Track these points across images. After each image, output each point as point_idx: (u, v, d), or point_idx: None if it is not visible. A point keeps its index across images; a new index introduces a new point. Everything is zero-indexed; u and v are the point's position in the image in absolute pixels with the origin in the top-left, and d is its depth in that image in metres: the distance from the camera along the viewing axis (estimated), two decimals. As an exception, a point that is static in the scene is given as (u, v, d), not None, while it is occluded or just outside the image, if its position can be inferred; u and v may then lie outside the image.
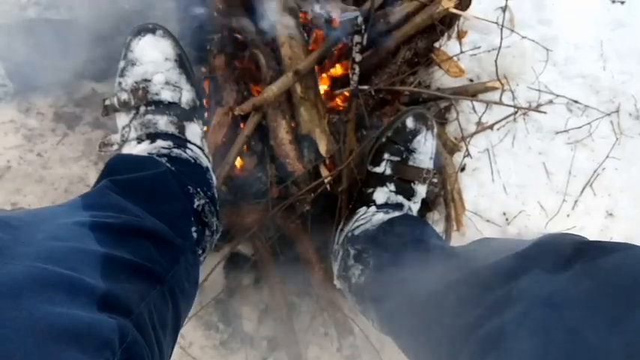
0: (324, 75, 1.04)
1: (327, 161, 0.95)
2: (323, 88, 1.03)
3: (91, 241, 0.45)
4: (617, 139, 1.06)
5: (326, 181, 0.92)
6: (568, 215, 1.02)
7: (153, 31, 0.76)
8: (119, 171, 0.63)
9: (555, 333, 0.36)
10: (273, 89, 0.88)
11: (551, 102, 1.07)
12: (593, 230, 1.01)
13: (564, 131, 1.05)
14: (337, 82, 1.04)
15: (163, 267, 0.53)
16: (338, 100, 1.04)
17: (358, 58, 0.91)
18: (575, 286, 0.38)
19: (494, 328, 0.42)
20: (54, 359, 0.31)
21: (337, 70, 1.05)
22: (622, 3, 1.17)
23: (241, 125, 0.95)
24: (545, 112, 1.04)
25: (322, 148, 0.93)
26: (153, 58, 0.75)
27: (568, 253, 0.41)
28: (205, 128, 0.93)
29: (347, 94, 0.99)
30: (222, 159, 0.91)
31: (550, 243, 0.45)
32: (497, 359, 0.40)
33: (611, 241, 0.42)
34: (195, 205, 0.68)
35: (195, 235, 0.66)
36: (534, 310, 0.39)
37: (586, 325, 0.35)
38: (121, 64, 0.77)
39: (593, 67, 1.11)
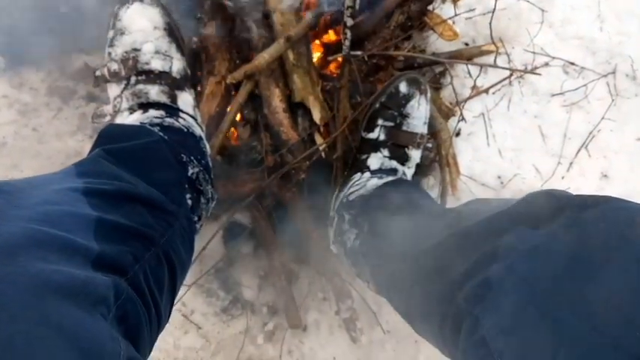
0: (317, 42, 1.03)
1: (322, 128, 0.95)
2: (316, 55, 1.02)
3: (85, 206, 0.45)
4: (612, 100, 1.05)
5: (321, 148, 0.92)
6: (563, 177, 1.02)
7: None
8: (112, 140, 0.63)
9: (537, 284, 0.37)
10: (264, 56, 0.87)
11: (547, 64, 1.06)
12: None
13: (560, 94, 1.05)
14: (330, 49, 1.03)
15: (157, 231, 0.54)
16: (331, 67, 1.03)
17: (350, 22, 0.90)
18: (557, 240, 0.39)
19: (481, 282, 0.43)
20: (51, 312, 0.32)
21: (330, 36, 1.04)
22: (620, -39, 1.15)
23: (234, 94, 0.95)
24: (540, 75, 1.03)
25: (316, 116, 0.93)
26: (141, 27, 0.75)
27: (552, 209, 0.42)
28: (198, 98, 0.93)
29: (340, 60, 0.98)
30: (216, 129, 0.91)
31: (534, 199, 0.46)
32: (483, 311, 0.41)
33: (593, 194, 0.43)
34: (189, 173, 0.69)
35: (189, 202, 0.67)
36: (518, 264, 0.40)
37: (566, 276, 0.36)
38: (110, 33, 0.77)
39: (590, 28, 1.09)
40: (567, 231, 0.39)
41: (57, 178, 0.50)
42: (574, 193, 0.45)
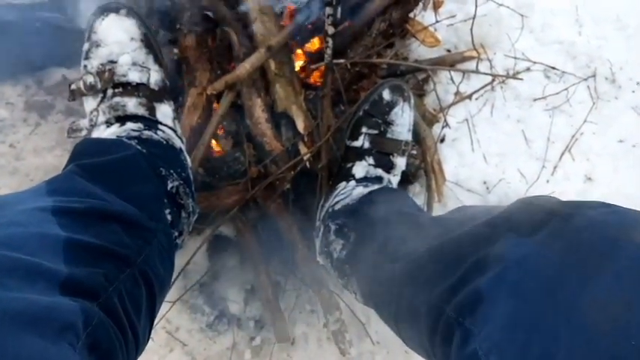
0: (299, 51, 1.02)
1: (306, 138, 0.94)
2: (298, 64, 1.02)
3: (53, 226, 0.43)
4: (594, 103, 1.06)
5: (305, 158, 0.91)
6: (548, 181, 1.02)
7: (116, 10, 0.74)
8: (86, 155, 0.61)
9: (529, 294, 0.36)
10: (245, 66, 0.86)
11: (528, 69, 1.07)
12: (572, 195, 1.02)
13: (542, 98, 1.05)
14: (313, 58, 1.03)
15: (133, 250, 0.52)
16: (314, 76, 1.02)
17: (331, 30, 0.89)
18: (548, 248, 0.38)
19: (471, 293, 0.42)
20: (8, 344, 0.30)
21: (313, 44, 1.03)
22: (596, -34, 1.16)
23: (215, 105, 0.93)
24: (522, 79, 1.04)
25: (300, 125, 0.92)
26: (118, 39, 0.73)
27: (540, 216, 0.42)
28: (179, 110, 0.91)
29: (323, 69, 0.98)
30: (197, 140, 0.89)
31: (523, 207, 0.45)
32: (474, 323, 0.40)
33: (582, 200, 0.42)
34: (168, 187, 0.67)
35: (169, 217, 0.65)
36: (509, 273, 0.39)
37: (558, 285, 0.35)
38: (85, 46, 0.75)
39: (569, 33, 1.10)
40: (557, 239, 0.38)
41: (26, 197, 0.48)
42: (561, 199, 0.44)
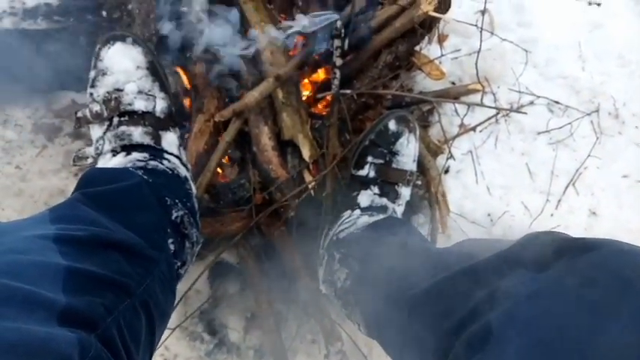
0: (306, 80, 1.04)
1: (311, 166, 0.94)
2: (305, 93, 1.03)
3: (54, 254, 0.43)
4: (597, 138, 1.07)
5: (310, 186, 0.91)
6: (552, 215, 1.02)
7: (122, 38, 0.75)
8: (93, 184, 0.61)
9: (541, 332, 0.36)
10: (254, 94, 0.87)
11: (532, 103, 1.08)
12: (577, 230, 1.02)
13: (546, 131, 1.06)
14: (320, 87, 1.04)
15: (134, 279, 0.51)
16: (320, 105, 1.04)
17: (339, 62, 0.91)
18: (560, 284, 0.38)
19: (480, 329, 0.41)
20: None
21: (319, 75, 1.05)
22: (598, 5, 1.19)
23: (222, 133, 0.94)
24: (526, 113, 1.05)
25: (305, 154, 0.93)
26: (124, 67, 0.74)
27: (551, 251, 0.41)
28: (187, 136, 0.92)
29: (329, 98, 0.99)
30: (203, 167, 0.90)
31: (532, 242, 0.45)
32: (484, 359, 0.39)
33: (594, 237, 0.42)
34: (173, 217, 0.66)
35: (172, 247, 0.64)
36: (520, 309, 0.38)
37: (571, 323, 0.34)
38: (92, 74, 0.76)
39: (573, 68, 1.12)
40: (569, 275, 0.37)
41: (29, 224, 0.47)
42: (572, 235, 0.44)
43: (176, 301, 0.71)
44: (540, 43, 1.12)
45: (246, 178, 0.94)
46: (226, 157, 0.96)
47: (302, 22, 0.93)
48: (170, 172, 0.71)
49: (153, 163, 0.70)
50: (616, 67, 1.14)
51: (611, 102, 1.10)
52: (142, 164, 0.68)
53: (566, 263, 0.39)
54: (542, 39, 1.12)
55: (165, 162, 0.72)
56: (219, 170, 0.96)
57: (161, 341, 0.89)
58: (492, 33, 1.07)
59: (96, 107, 0.72)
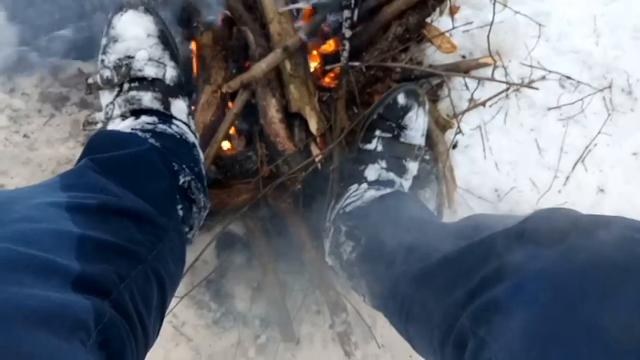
0: (314, 52, 1.03)
1: (318, 139, 0.94)
2: (313, 65, 1.02)
3: (67, 222, 0.43)
4: (609, 114, 1.05)
5: (317, 159, 0.91)
6: (559, 191, 1.02)
7: (135, 7, 0.75)
8: (101, 149, 0.61)
9: (548, 307, 0.36)
10: (261, 66, 0.87)
11: (543, 78, 1.06)
12: (584, 206, 1.02)
13: (556, 107, 1.05)
14: (328, 59, 1.03)
15: (145, 247, 0.52)
16: (328, 78, 1.02)
17: (348, 33, 0.89)
18: (569, 260, 0.37)
19: (487, 302, 0.41)
20: (21, 341, 0.30)
21: (328, 46, 1.03)
22: (616, -23, 1.16)
23: (230, 104, 0.94)
24: (537, 89, 1.03)
25: (313, 126, 0.92)
26: (135, 35, 0.74)
27: (561, 228, 0.41)
28: (193, 107, 0.92)
29: (337, 71, 0.98)
30: (211, 138, 0.90)
31: (543, 217, 0.45)
32: (489, 333, 0.40)
33: (604, 214, 0.41)
34: (180, 182, 0.67)
35: (181, 212, 0.65)
36: (528, 284, 0.38)
37: (579, 298, 0.34)
38: (103, 41, 0.76)
39: (586, 43, 1.10)
40: (578, 252, 0.37)
41: (40, 191, 0.48)
42: (582, 212, 0.44)
43: (184, 270, 0.72)
44: (554, 17, 1.09)
45: (253, 150, 0.94)
46: (233, 129, 0.95)
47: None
48: (178, 136, 0.71)
49: (161, 126, 0.70)
50: (631, 41, 1.11)
51: (625, 78, 1.08)
52: (150, 127, 0.69)
53: (575, 240, 0.39)
54: (555, 12, 1.09)
55: (173, 127, 0.72)
56: (226, 142, 0.96)
57: (170, 309, 0.91)
58: (505, 5, 1.04)
59: (107, 73, 0.72)
